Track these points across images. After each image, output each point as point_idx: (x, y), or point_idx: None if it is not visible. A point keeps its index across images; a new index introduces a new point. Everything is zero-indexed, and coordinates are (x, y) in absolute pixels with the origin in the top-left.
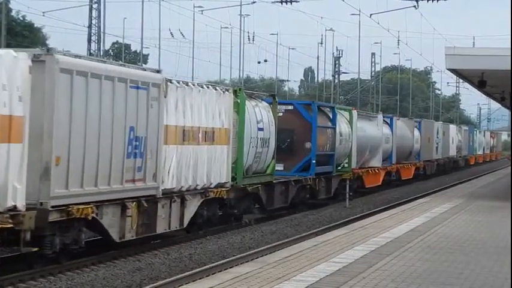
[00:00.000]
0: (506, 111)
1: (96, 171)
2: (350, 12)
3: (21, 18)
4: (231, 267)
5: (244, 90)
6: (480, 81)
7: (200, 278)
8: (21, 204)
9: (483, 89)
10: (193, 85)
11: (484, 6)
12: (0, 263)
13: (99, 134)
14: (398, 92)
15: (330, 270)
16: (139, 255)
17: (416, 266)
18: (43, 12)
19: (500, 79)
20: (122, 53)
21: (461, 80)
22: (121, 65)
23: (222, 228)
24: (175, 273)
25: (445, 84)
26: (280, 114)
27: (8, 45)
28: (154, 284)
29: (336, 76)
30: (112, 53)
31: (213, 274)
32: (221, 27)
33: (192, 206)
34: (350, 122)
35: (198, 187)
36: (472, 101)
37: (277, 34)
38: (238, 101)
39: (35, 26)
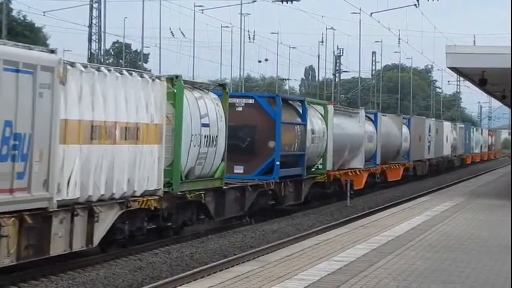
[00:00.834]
0: (507, 110)
1: None
2: (351, 11)
3: (22, 18)
4: (232, 266)
5: (185, 79)
6: (481, 79)
7: (201, 277)
8: None
9: (484, 88)
10: (108, 70)
11: (485, 5)
12: None
13: None
14: (399, 90)
15: (331, 269)
16: (141, 254)
17: (418, 264)
18: (44, 12)
19: (501, 77)
20: (122, 53)
21: (462, 79)
22: None
23: (223, 227)
24: (176, 273)
25: (446, 82)
26: (240, 109)
27: None
28: (156, 283)
29: (337, 75)
30: (113, 53)
31: (214, 273)
32: (222, 26)
33: (107, 220)
34: (325, 118)
35: (116, 196)
36: (473, 99)
37: (277, 33)
38: (175, 91)
39: (36, 25)
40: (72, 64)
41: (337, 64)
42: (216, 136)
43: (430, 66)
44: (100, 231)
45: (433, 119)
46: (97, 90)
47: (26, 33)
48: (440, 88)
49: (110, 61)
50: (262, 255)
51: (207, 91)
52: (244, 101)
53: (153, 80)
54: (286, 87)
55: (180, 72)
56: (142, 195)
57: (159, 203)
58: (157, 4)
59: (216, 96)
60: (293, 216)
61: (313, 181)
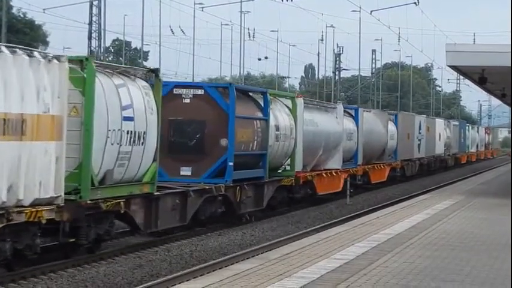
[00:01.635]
0: (507, 108)
1: None
2: (350, 8)
3: (22, 16)
4: (231, 264)
5: (102, 62)
6: (481, 77)
7: (201, 275)
8: None
9: (484, 86)
10: None
11: (485, 3)
12: None
13: None
14: (399, 88)
15: (331, 267)
16: (140, 252)
17: (417, 262)
18: (43, 9)
19: (501, 76)
20: (122, 50)
21: (461, 77)
22: None
23: (223, 225)
24: (176, 270)
25: (446, 80)
26: (187, 100)
27: (9, 43)
28: (155, 281)
29: (337, 73)
30: (113, 50)
31: (213, 271)
32: (221, 24)
33: None
34: (293, 113)
35: None
36: (473, 97)
37: (277, 31)
38: (85, 75)
39: (36, 23)
40: None
41: (337, 62)
42: (144, 132)
43: (430, 65)
44: None
45: (424, 115)
46: None
47: (26, 31)
48: (440, 86)
49: (110, 58)
50: (261, 253)
51: (133, 77)
52: (192, 91)
53: (48, 60)
54: (286, 85)
55: (180, 70)
56: (32, 205)
57: (59, 214)
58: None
59: (146, 84)
60: (293, 214)
61: (279, 184)
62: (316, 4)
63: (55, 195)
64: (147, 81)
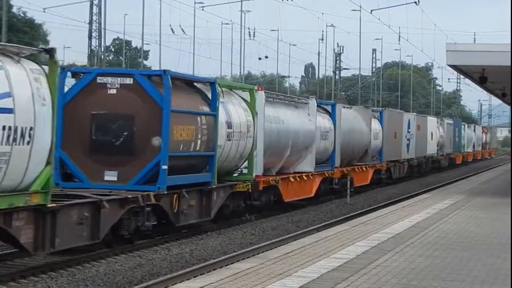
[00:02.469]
0: (507, 107)
1: None
2: (351, 8)
3: (22, 15)
4: (232, 263)
5: None
6: (481, 77)
7: (201, 274)
8: None
9: (484, 85)
10: None
11: (485, 3)
12: None
13: None
14: (399, 88)
15: (331, 266)
16: (141, 251)
17: (418, 262)
18: (44, 9)
19: (501, 75)
20: (122, 49)
21: (462, 76)
22: None
23: (223, 224)
24: (176, 269)
25: (446, 80)
26: (113, 91)
27: (9, 42)
28: (155, 280)
29: (337, 72)
30: (113, 49)
31: (214, 270)
32: (222, 23)
33: None
34: (251, 107)
35: None
36: (473, 97)
37: (277, 30)
38: None
39: (36, 22)
40: None
41: (337, 61)
42: (31, 128)
43: (430, 64)
44: None
45: (414, 113)
46: None
47: (26, 30)
48: (440, 86)
49: (110, 58)
50: (261, 252)
51: (17, 58)
52: (119, 80)
53: None
54: (287, 84)
55: (180, 69)
56: None
57: None
58: (158, 1)
59: (35, 66)
60: (293, 213)
61: (232, 190)
62: (317, 3)
63: None
64: (38, 64)
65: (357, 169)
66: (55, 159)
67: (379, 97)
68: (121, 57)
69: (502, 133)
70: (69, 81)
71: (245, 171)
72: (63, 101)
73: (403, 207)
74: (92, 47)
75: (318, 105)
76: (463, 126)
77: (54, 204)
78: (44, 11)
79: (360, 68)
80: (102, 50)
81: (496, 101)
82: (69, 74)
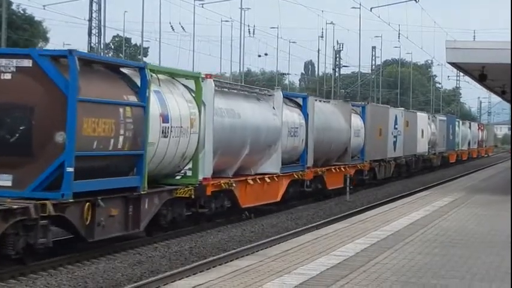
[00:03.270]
0: (507, 105)
1: None
2: (350, 5)
3: (22, 12)
4: (231, 261)
5: None
6: (481, 74)
7: (200, 271)
8: None
9: (484, 83)
10: None
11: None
12: None
13: None
14: (399, 85)
15: (331, 264)
16: (140, 248)
17: (417, 259)
18: (43, 6)
19: (501, 73)
20: (122, 47)
21: (461, 74)
22: None
23: (222, 221)
24: (175, 267)
25: (446, 77)
26: (7, 76)
27: (9, 39)
28: (155, 277)
29: (337, 70)
30: (113, 47)
31: (213, 267)
32: (222, 21)
33: None
34: (196, 99)
35: None
36: (473, 94)
37: (277, 27)
38: None
39: (36, 19)
40: None
41: (337, 59)
42: None
43: (430, 61)
44: None
45: (402, 108)
46: None
47: (26, 27)
48: (440, 83)
49: (110, 55)
50: (261, 250)
51: None
52: (15, 62)
53: None
54: (286, 81)
55: (180, 66)
56: None
57: None
58: None
59: None
60: (292, 211)
61: (170, 197)
62: (316, 1)
63: None
64: None
65: (333, 170)
66: None
67: (379, 94)
68: (121, 55)
69: (502, 130)
70: None
71: (189, 173)
72: None
73: (402, 204)
74: (92, 44)
75: (286, 98)
76: (457, 123)
77: None
78: (44, 8)
79: (359, 65)
80: (102, 47)
81: (496, 99)
82: None
